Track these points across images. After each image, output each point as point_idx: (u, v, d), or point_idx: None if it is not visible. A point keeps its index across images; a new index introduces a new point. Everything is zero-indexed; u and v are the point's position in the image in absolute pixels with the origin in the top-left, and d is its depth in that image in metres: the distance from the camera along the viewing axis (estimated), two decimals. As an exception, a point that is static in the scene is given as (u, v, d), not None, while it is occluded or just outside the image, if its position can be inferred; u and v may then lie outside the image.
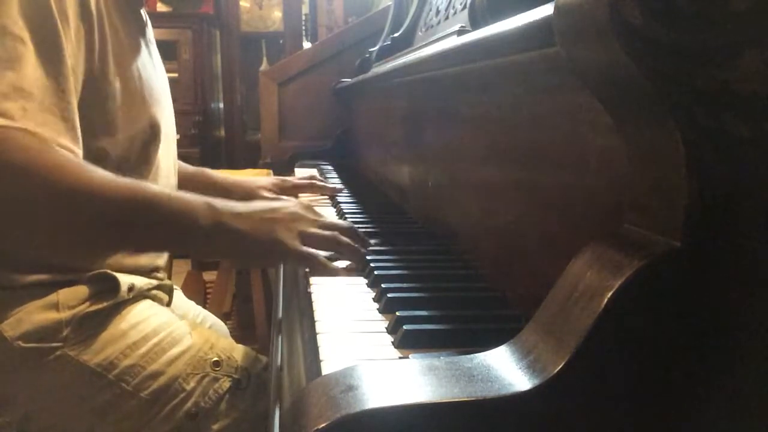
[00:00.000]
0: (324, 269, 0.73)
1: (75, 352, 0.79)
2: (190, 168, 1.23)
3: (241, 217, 0.72)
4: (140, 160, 0.88)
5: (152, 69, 0.94)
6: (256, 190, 1.24)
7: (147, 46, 0.95)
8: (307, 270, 0.74)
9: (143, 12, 0.96)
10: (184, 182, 1.15)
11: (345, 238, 0.76)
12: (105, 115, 0.81)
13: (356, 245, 0.77)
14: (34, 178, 0.66)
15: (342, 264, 0.77)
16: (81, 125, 0.75)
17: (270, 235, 0.71)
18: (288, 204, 0.78)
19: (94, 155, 0.77)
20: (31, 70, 0.69)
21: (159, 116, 0.90)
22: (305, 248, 0.72)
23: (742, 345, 0.35)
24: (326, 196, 1.31)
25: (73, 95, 0.74)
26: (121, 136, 0.83)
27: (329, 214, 1.10)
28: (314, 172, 1.60)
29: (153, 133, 0.89)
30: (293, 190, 1.27)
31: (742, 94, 0.33)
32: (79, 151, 0.74)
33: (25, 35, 0.70)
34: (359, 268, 0.75)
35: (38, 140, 0.68)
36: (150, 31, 1.00)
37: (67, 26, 0.74)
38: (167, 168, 0.98)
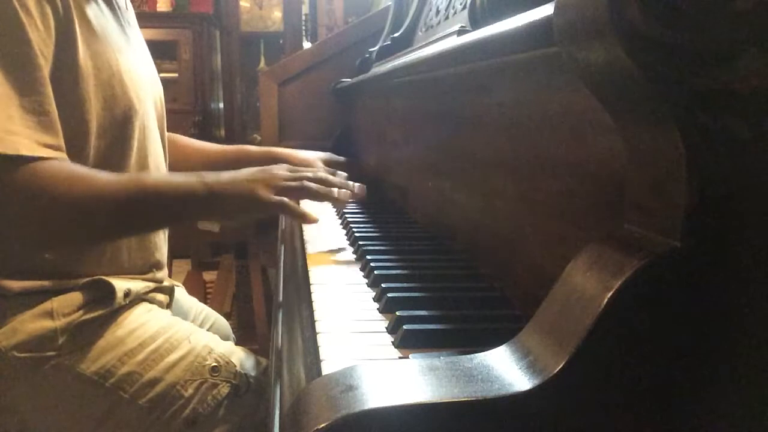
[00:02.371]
0: (294, 213, 0.85)
1: (71, 361, 0.78)
2: (223, 148, 1.27)
3: (227, 183, 0.82)
4: (117, 150, 0.87)
5: (131, 55, 0.92)
6: (313, 161, 1.27)
7: (124, 29, 0.93)
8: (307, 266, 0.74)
9: None
10: (225, 162, 1.20)
11: (312, 184, 0.87)
12: (77, 99, 0.80)
13: (325, 188, 0.88)
14: (46, 199, 0.72)
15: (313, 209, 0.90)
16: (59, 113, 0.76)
17: (250, 193, 0.82)
18: (271, 167, 0.87)
19: (69, 144, 0.78)
20: (1, 76, 0.70)
21: (139, 104, 0.89)
22: (277, 199, 0.83)
23: (742, 345, 0.35)
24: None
25: (46, 86, 0.74)
26: (96, 121, 0.83)
27: (328, 214, 1.11)
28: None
29: (131, 119, 0.88)
30: (338, 167, 1.28)
31: (742, 94, 0.33)
32: (61, 142, 0.75)
33: None
34: (340, 206, 0.91)
35: (51, 163, 0.73)
36: (132, 16, 0.98)
37: (29, 16, 0.73)
38: (155, 159, 0.96)
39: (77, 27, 0.79)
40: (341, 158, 1.41)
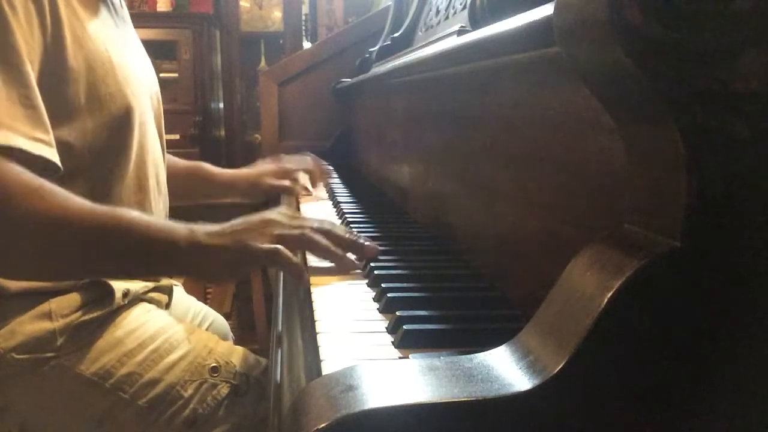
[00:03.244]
0: (289, 265, 0.71)
1: (70, 362, 0.78)
2: (183, 163, 1.18)
3: (217, 235, 0.71)
4: (115, 148, 0.85)
5: (126, 51, 0.90)
6: (259, 179, 1.22)
7: (118, 27, 0.91)
8: (309, 269, 0.74)
9: None
10: (179, 179, 1.11)
11: (316, 236, 0.74)
12: (68, 98, 0.78)
13: (329, 244, 0.75)
14: (7, 208, 0.65)
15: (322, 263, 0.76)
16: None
17: (243, 243, 0.71)
18: (267, 212, 0.77)
19: (59, 147, 0.74)
20: None
21: (135, 101, 0.86)
22: (270, 247, 0.71)
23: (742, 345, 0.35)
24: (325, 189, 1.31)
25: (32, 81, 0.71)
26: (90, 122, 0.80)
27: (325, 218, 1.09)
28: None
29: (129, 116, 0.85)
30: (294, 173, 1.26)
31: (742, 94, 0.33)
32: (51, 138, 0.72)
33: None
34: (343, 270, 0.75)
35: (19, 171, 0.67)
36: (126, 15, 0.97)
37: (14, 12, 0.71)
38: (154, 158, 0.94)
39: (66, 27, 0.77)
40: (293, 164, 1.29)
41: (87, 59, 0.80)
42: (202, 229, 0.72)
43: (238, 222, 0.74)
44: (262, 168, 1.25)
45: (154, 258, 0.72)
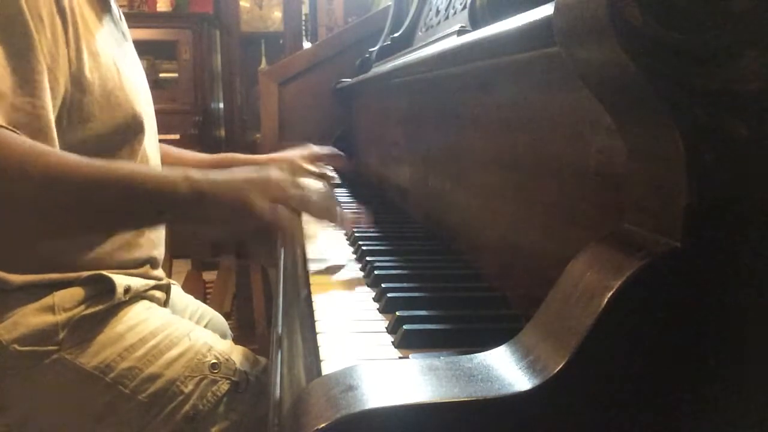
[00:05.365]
0: (286, 231, 0.75)
1: (72, 355, 0.78)
2: (209, 156, 1.22)
3: (218, 184, 0.73)
4: (125, 156, 0.87)
5: (129, 63, 0.93)
6: (298, 163, 1.22)
7: (119, 39, 0.93)
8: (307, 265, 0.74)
9: (115, 7, 0.94)
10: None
11: (315, 197, 0.78)
12: (83, 109, 0.80)
13: (325, 206, 0.79)
14: (7, 171, 0.64)
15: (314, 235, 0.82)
16: (63, 120, 0.74)
17: (243, 199, 0.72)
18: (268, 170, 0.78)
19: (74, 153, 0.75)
20: (1, 71, 0.69)
21: (141, 110, 0.89)
22: (271, 210, 0.73)
23: (742, 345, 0.35)
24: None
25: (46, 93, 0.72)
26: (101, 130, 0.82)
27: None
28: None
29: (136, 128, 0.87)
30: (322, 159, 1.25)
31: (742, 94, 0.33)
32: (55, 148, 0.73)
33: None
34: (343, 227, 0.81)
35: (10, 134, 0.66)
36: (125, 26, 0.99)
37: (42, 25, 0.72)
38: (154, 161, 0.97)
39: (83, 40, 0.80)
40: (326, 150, 1.29)
41: (100, 71, 0.82)
42: (203, 176, 0.72)
43: (240, 174, 0.75)
44: (290, 153, 1.25)
45: (151, 205, 0.73)
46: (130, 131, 0.87)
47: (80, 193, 0.69)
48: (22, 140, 0.67)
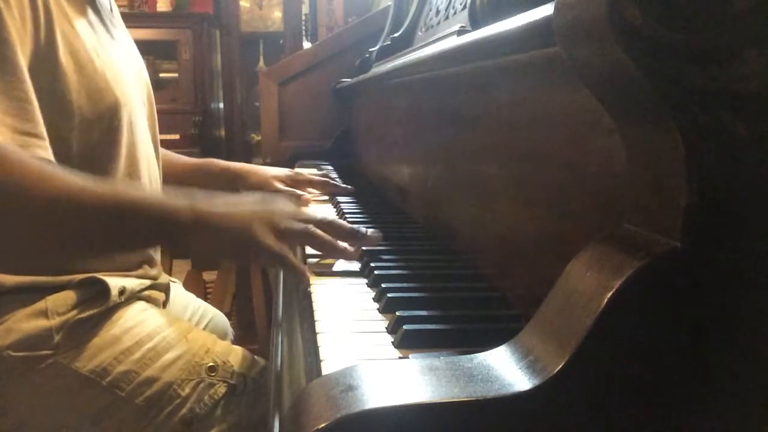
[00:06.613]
0: (293, 270, 0.72)
1: (67, 360, 0.78)
2: (191, 161, 1.21)
3: (221, 214, 0.71)
4: (106, 147, 0.85)
5: (114, 52, 0.90)
6: (269, 180, 1.21)
7: (107, 28, 0.92)
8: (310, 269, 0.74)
9: None
10: (187, 175, 1.14)
11: (319, 231, 0.75)
12: (56, 96, 0.77)
13: (331, 239, 0.76)
14: (11, 194, 0.63)
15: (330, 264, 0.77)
16: (44, 107, 0.72)
17: (246, 232, 0.70)
18: (271, 200, 0.77)
19: (52, 140, 0.74)
20: None
21: (124, 99, 0.87)
22: (278, 247, 0.71)
23: (743, 345, 0.35)
24: (328, 195, 1.30)
25: (25, 74, 0.71)
26: (79, 120, 0.80)
27: (326, 211, 1.09)
28: (323, 171, 1.59)
29: (117, 118, 0.85)
30: (306, 185, 1.25)
31: (742, 94, 0.33)
32: (42, 130, 0.72)
33: None
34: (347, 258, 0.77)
35: (19, 154, 0.66)
36: (117, 17, 0.97)
37: (7, 6, 0.70)
38: (147, 157, 0.95)
39: (56, 25, 0.78)
40: (311, 176, 1.29)
41: (76, 58, 0.80)
42: (205, 203, 0.71)
43: (244, 203, 0.74)
44: (275, 171, 1.25)
45: (156, 235, 0.74)
46: (112, 122, 0.85)
47: (81, 220, 0.68)
48: (29, 161, 0.66)
